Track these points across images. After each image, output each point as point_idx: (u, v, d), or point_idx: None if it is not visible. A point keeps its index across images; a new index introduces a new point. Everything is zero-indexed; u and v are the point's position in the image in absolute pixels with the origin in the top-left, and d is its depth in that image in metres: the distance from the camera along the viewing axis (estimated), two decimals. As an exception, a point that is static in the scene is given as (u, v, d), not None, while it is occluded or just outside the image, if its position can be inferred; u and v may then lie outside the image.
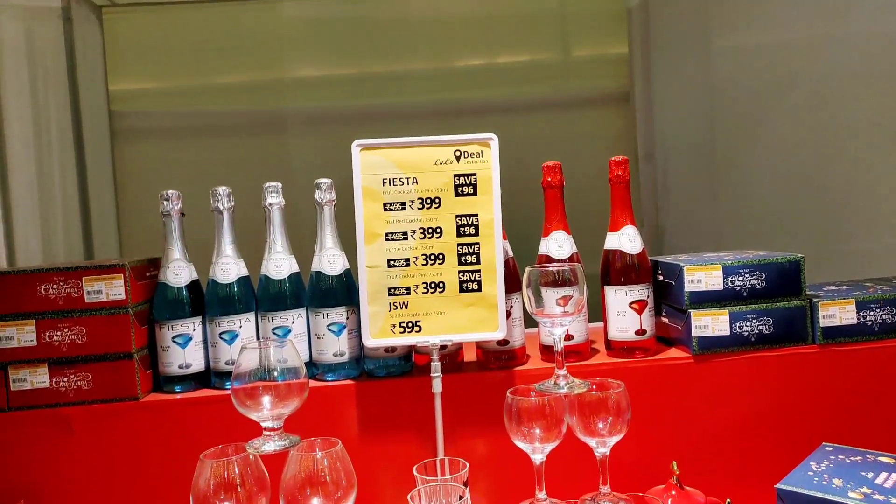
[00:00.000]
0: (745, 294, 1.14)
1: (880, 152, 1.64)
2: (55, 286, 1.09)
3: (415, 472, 0.95)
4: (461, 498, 0.88)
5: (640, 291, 1.14)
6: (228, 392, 1.12)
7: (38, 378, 1.09)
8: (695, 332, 1.13)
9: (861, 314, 1.13)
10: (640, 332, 1.14)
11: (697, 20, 2.08)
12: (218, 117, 2.12)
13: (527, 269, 0.95)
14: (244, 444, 0.91)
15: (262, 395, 0.90)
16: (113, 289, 1.11)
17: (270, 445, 0.89)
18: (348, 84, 2.17)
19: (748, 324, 1.13)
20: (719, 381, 1.13)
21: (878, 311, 1.14)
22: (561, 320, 0.91)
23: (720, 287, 1.14)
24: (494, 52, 2.24)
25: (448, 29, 2.21)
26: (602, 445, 0.90)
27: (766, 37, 1.90)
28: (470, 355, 1.22)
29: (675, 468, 1.01)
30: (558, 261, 1.16)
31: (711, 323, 1.13)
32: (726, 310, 1.13)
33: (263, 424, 0.90)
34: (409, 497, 0.90)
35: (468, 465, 0.95)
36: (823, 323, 1.13)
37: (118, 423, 1.10)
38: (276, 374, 0.90)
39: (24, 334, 1.09)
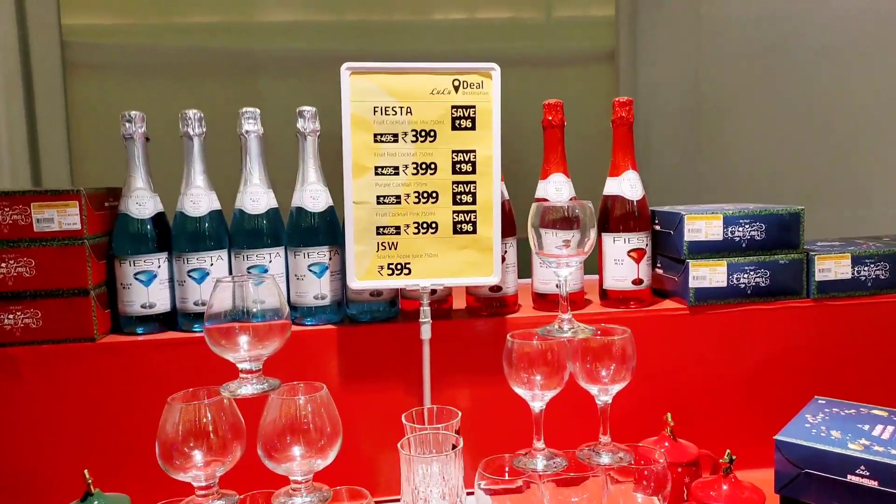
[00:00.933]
0: (743, 245, 1.11)
1: (870, 123, 1.64)
2: (-1, 212, 0.97)
3: (403, 421, 0.89)
4: (454, 447, 0.83)
5: (639, 240, 1.10)
6: (197, 335, 1.03)
7: (-21, 314, 0.97)
8: (692, 283, 1.09)
9: (856, 269, 1.12)
10: (637, 281, 1.10)
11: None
12: (185, 55, 1.95)
13: (533, 205, 0.88)
14: (217, 388, 0.83)
15: (240, 335, 0.81)
16: (66, 217, 0.99)
17: (248, 388, 0.81)
18: (325, 29, 2.05)
19: (745, 276, 1.10)
20: (714, 334, 1.10)
21: (872, 266, 1.12)
22: (567, 261, 0.85)
23: (720, 237, 1.10)
24: (475, 8, 2.14)
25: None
26: (604, 393, 0.86)
27: (757, 4, 1.87)
28: (459, 302, 1.15)
29: (669, 420, 0.99)
30: (556, 204, 1.09)
31: (709, 274, 1.10)
32: (724, 261, 1.10)
33: (240, 366, 0.82)
34: (399, 445, 0.84)
35: (460, 413, 0.90)
36: (819, 277, 1.11)
37: (72, 366, 1.00)
38: (254, 312, 0.82)
39: (-38, 264, 0.96)
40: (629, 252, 1.09)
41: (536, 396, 0.86)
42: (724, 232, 1.10)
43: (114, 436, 1.01)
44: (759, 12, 1.86)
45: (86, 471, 0.85)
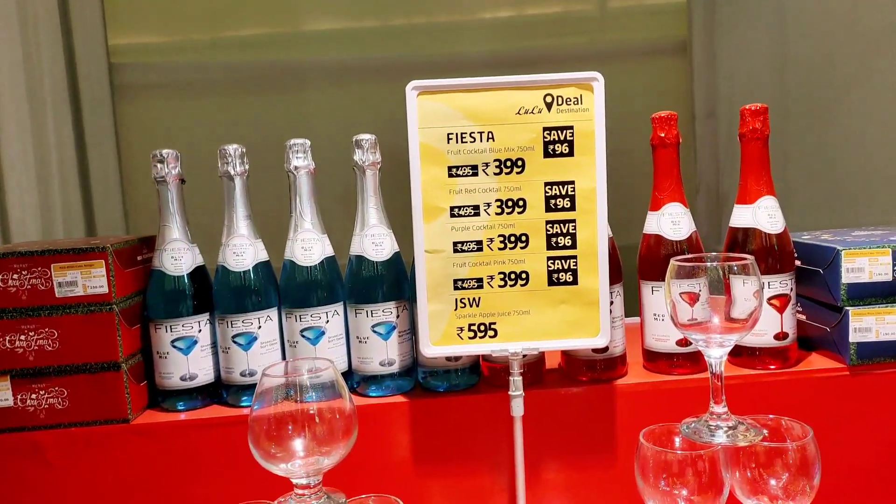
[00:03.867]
0: (920, 287, 0.87)
1: None
2: (16, 276, 0.83)
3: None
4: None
5: (783, 283, 0.87)
6: (244, 410, 0.87)
7: (-2, 395, 0.84)
8: (853, 337, 0.86)
9: None
10: (781, 335, 0.88)
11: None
12: (231, 70, 1.82)
13: (672, 263, 0.68)
14: None
15: (293, 439, 0.64)
16: (92, 279, 0.84)
17: (305, 511, 0.64)
18: (370, 36, 1.89)
19: (924, 326, 0.86)
20: (885, 400, 0.87)
21: None
22: (722, 339, 0.64)
23: (888, 278, 0.86)
24: (523, 4, 1.93)
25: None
26: (776, 513, 0.65)
27: None
28: (552, 360, 0.96)
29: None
30: (674, 243, 0.88)
31: (875, 325, 0.86)
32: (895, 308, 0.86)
33: (295, 481, 0.65)
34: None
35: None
36: None
37: (105, 451, 0.85)
38: (310, 411, 0.64)
39: (-24, 339, 0.83)
40: (770, 299, 0.87)
41: (682, 520, 0.65)
42: (893, 270, 0.86)
43: (154, 532, 0.86)
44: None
45: None
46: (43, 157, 1.60)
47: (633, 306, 0.95)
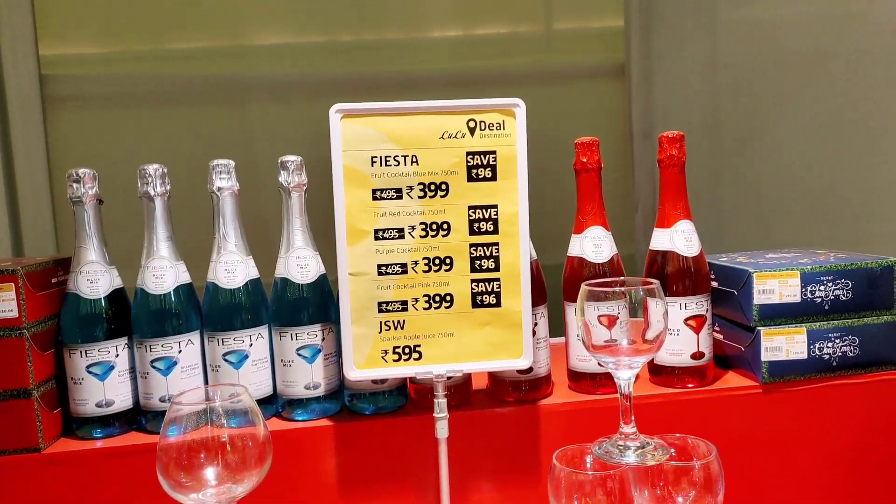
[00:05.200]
0: (826, 307, 0.91)
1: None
2: (-83, 300, 0.79)
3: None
4: None
5: (699, 304, 0.90)
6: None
7: None
8: (765, 356, 0.90)
9: (963, 332, 0.92)
10: (697, 355, 0.91)
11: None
12: (170, 83, 1.78)
13: (583, 287, 0.69)
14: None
15: (204, 468, 0.63)
16: (1, 303, 0.81)
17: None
18: (315, 52, 1.88)
19: (830, 344, 0.91)
20: (794, 416, 0.91)
21: (982, 327, 0.92)
22: (630, 361, 0.66)
23: (797, 299, 0.90)
24: (472, 23, 1.95)
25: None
26: (682, 532, 0.67)
27: (782, 10, 1.66)
28: (479, 381, 0.97)
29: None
30: (596, 265, 0.91)
31: (785, 344, 0.90)
32: (804, 327, 0.90)
33: (207, 511, 0.64)
34: None
35: (492, 549, 0.71)
36: (918, 343, 0.92)
37: (14, 482, 0.82)
38: (222, 438, 0.63)
39: None
40: (686, 320, 0.90)
41: (592, 541, 0.67)
42: (802, 292, 0.90)
43: (66, 565, 0.83)
44: (787, 14, 1.66)
45: None
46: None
47: (558, 327, 0.97)
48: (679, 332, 0.90)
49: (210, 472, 0.63)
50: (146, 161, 0.88)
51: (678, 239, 0.91)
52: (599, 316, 0.68)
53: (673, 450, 0.68)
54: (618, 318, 0.66)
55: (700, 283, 0.91)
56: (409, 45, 1.89)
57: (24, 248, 1.63)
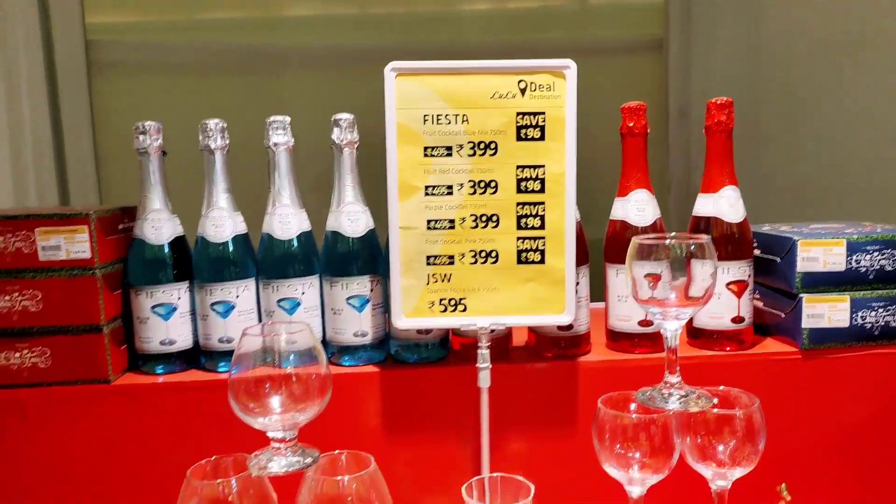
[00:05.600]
0: (871, 277, 0.91)
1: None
2: (0, 238, 0.86)
3: (464, 496, 0.74)
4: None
5: (741, 269, 0.91)
6: (222, 375, 0.90)
7: (-19, 353, 0.87)
8: (806, 322, 0.91)
9: None
10: (738, 319, 0.92)
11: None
12: (210, 52, 1.83)
13: (633, 241, 0.71)
14: (244, 457, 0.69)
15: (270, 396, 0.67)
16: (75, 244, 0.87)
17: (280, 464, 0.67)
18: (349, 22, 1.90)
19: (872, 313, 0.91)
20: (834, 384, 0.91)
21: None
22: (678, 312, 0.68)
23: (841, 268, 0.91)
24: None
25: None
26: (721, 478, 0.69)
27: None
28: (519, 337, 1.00)
29: (784, 492, 0.81)
30: (638, 229, 0.92)
31: (828, 311, 0.91)
32: (847, 296, 0.90)
33: (271, 435, 0.68)
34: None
35: (533, 488, 0.74)
36: (964, 316, 0.91)
37: (85, 411, 0.89)
38: (288, 368, 0.68)
39: (-39, 299, 0.86)
40: (728, 284, 0.91)
41: (635, 480, 0.69)
42: (846, 261, 0.91)
43: (130, 487, 0.89)
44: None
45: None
46: (18, 133, 1.61)
47: (598, 293, 0.99)
48: (720, 295, 0.91)
49: (275, 401, 0.67)
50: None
51: (723, 204, 0.92)
52: (648, 270, 0.69)
53: (716, 399, 0.69)
54: (666, 271, 0.68)
55: (743, 249, 0.92)
56: (444, 19, 1.89)
57: (70, 200, 1.71)
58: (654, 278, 0.71)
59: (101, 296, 0.88)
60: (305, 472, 0.68)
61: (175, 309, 0.91)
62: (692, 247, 0.68)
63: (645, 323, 0.92)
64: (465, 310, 0.87)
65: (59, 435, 0.88)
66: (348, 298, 0.91)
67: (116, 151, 1.73)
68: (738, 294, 0.91)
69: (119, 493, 0.89)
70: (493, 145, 0.86)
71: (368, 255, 0.92)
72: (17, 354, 0.87)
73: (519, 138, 0.86)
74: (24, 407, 0.88)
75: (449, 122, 0.85)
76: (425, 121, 0.85)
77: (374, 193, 0.94)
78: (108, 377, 0.89)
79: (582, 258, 0.92)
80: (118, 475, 0.89)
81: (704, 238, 0.70)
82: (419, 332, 0.92)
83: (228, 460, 0.71)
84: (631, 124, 0.93)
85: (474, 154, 0.86)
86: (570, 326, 0.91)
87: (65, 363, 0.88)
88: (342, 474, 0.68)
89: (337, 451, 0.71)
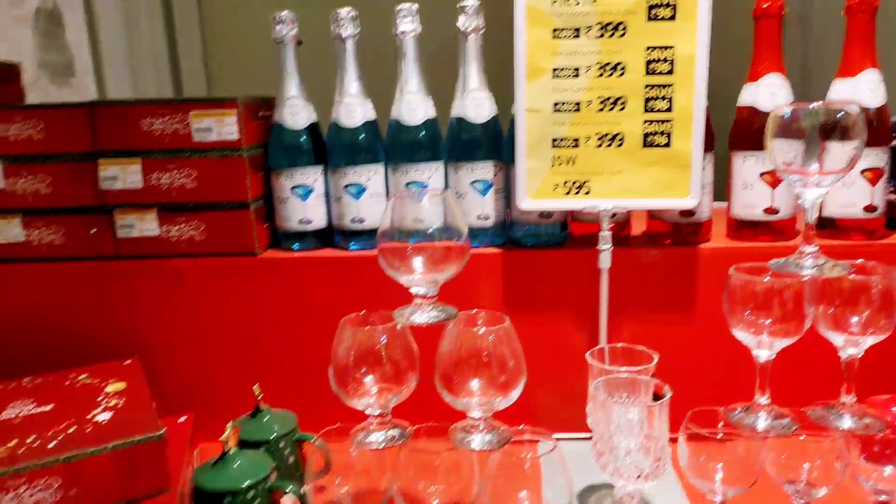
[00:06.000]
0: None
1: None
2: (160, 121, 0.94)
3: (589, 360, 0.78)
4: (658, 397, 0.71)
5: (877, 156, 0.89)
6: (353, 253, 0.97)
7: (146, 225, 0.97)
8: (944, 213, 0.87)
9: None
10: (870, 208, 0.90)
11: None
12: None
13: (774, 112, 0.70)
14: (389, 313, 0.76)
15: (413, 257, 0.73)
16: (224, 127, 0.94)
17: (423, 315, 0.73)
18: None
19: None
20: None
21: None
22: (819, 179, 0.68)
23: None
24: None
25: None
26: (853, 346, 0.70)
27: None
28: (637, 226, 1.01)
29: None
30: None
31: (970, 202, 0.87)
32: None
33: (414, 290, 0.74)
34: (592, 388, 0.74)
35: (657, 355, 0.78)
36: None
37: (235, 280, 0.98)
38: (431, 232, 0.72)
39: (129, 174, 0.95)
40: (863, 171, 0.89)
41: (763, 343, 0.71)
42: None
43: (274, 351, 0.99)
44: None
45: (256, 386, 0.83)
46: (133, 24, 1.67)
47: (720, 191, 0.98)
48: (854, 183, 0.89)
49: (418, 262, 0.73)
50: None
51: (862, 88, 0.88)
52: (789, 139, 0.69)
53: (853, 268, 0.69)
54: (815, 135, 0.67)
55: (882, 135, 0.88)
56: None
57: (183, 95, 1.81)
58: (799, 142, 0.69)
59: (248, 175, 0.95)
60: (446, 325, 0.73)
61: (312, 190, 0.98)
62: (839, 114, 0.67)
63: (770, 210, 0.91)
64: (588, 192, 0.89)
65: (212, 302, 0.99)
66: (472, 182, 0.95)
67: (223, 49, 1.80)
68: (873, 182, 0.89)
69: (265, 355, 0.99)
70: (621, 26, 0.85)
71: (492, 141, 0.95)
72: (176, 228, 0.97)
73: (649, 18, 0.85)
74: (181, 275, 0.98)
75: (578, 3, 0.85)
76: (554, 2, 0.85)
77: (496, 81, 0.96)
78: (254, 250, 0.97)
79: (708, 144, 0.91)
80: (264, 339, 0.99)
81: (853, 107, 0.68)
82: (541, 215, 0.95)
83: (375, 315, 0.78)
84: (766, 5, 0.89)
85: (602, 36, 0.86)
86: (691, 212, 0.92)
87: (217, 236, 0.97)
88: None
89: (474, 311, 0.76)
